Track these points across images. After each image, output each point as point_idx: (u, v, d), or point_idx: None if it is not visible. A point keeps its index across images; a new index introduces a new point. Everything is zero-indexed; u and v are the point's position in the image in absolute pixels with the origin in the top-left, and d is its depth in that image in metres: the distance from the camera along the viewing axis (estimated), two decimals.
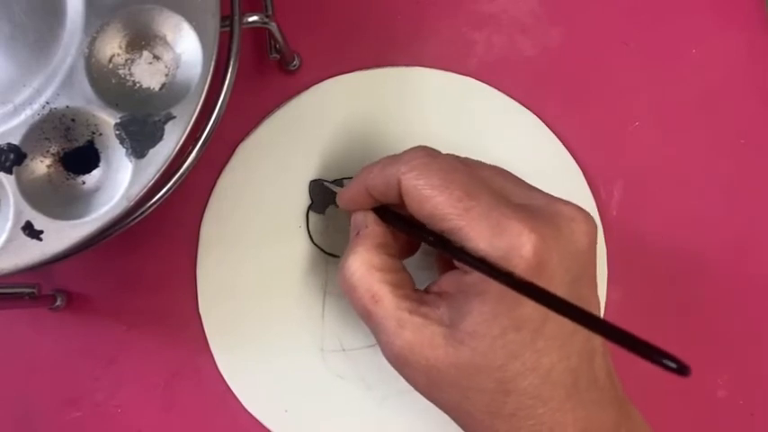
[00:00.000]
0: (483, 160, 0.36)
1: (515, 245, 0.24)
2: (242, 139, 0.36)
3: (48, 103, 0.28)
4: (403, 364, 0.27)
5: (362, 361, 0.35)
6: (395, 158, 0.27)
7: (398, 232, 0.30)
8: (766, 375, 0.36)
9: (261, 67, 0.37)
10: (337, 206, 0.36)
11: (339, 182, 0.36)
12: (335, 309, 0.35)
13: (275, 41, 0.34)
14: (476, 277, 0.25)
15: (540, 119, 0.37)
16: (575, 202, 0.27)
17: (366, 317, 0.27)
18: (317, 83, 0.37)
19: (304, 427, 0.35)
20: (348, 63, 0.37)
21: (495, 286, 0.24)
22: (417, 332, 0.26)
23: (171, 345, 0.36)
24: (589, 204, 0.36)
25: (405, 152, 0.28)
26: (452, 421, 0.35)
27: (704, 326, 0.36)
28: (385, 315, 0.26)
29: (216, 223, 0.36)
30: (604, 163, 0.37)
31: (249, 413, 0.35)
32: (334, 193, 0.36)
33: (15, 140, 0.27)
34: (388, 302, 0.26)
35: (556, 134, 0.36)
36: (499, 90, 0.37)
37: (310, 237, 0.36)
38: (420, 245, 0.32)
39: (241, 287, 0.35)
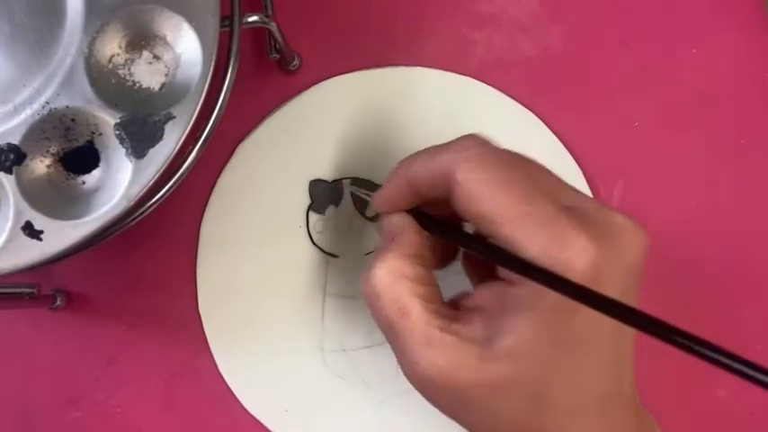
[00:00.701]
0: None
1: (572, 256, 0.22)
2: (242, 139, 0.36)
3: (48, 102, 0.28)
4: (426, 384, 0.25)
5: (362, 361, 0.35)
6: (445, 147, 0.25)
7: (439, 238, 0.27)
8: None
9: (261, 67, 0.37)
10: (337, 206, 0.36)
11: (338, 182, 0.36)
12: (335, 309, 0.35)
13: (275, 41, 0.34)
14: (525, 291, 0.23)
15: (540, 119, 0.36)
16: None
17: (388, 330, 0.25)
18: (316, 83, 0.37)
19: (304, 427, 0.35)
20: (348, 63, 0.37)
21: (544, 302, 0.23)
22: (447, 352, 0.24)
23: (171, 345, 0.36)
24: None
25: (456, 140, 0.25)
26: (453, 422, 0.34)
27: (704, 325, 0.36)
28: (413, 330, 0.24)
29: (216, 223, 0.36)
30: (604, 163, 0.37)
31: (249, 413, 0.35)
32: (335, 193, 0.36)
33: (15, 140, 0.27)
34: (416, 317, 0.24)
35: (556, 134, 0.36)
36: (499, 90, 0.37)
37: (310, 237, 0.36)
38: (455, 255, 0.29)
39: (241, 287, 0.35)
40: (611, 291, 0.22)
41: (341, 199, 0.36)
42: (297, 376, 0.35)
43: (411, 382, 0.26)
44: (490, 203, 0.23)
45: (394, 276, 0.25)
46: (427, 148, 0.26)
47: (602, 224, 0.24)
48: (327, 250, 0.36)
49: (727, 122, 0.37)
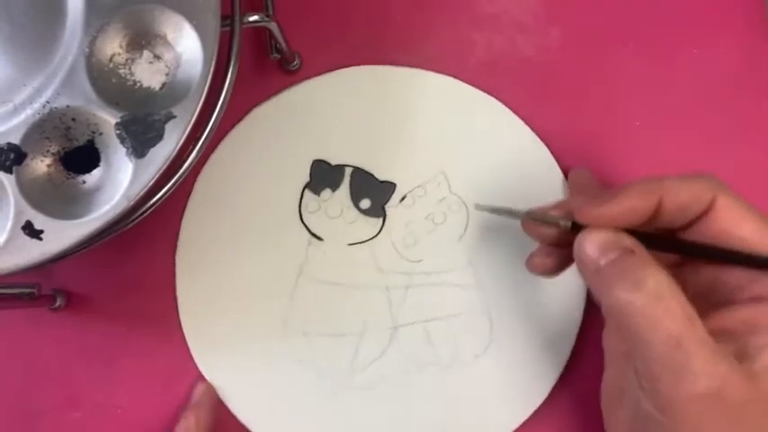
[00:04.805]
0: (481, 163, 0.35)
1: None
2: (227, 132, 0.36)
3: (48, 102, 0.28)
4: (707, 401, 0.23)
5: (321, 348, 0.35)
6: (690, 176, 0.27)
7: (689, 257, 0.28)
8: None
9: (261, 67, 0.37)
10: (333, 191, 0.36)
11: (341, 167, 0.36)
12: (305, 291, 0.35)
13: (276, 41, 0.34)
14: None
15: (540, 119, 0.36)
16: None
17: (676, 344, 0.23)
18: None
19: (291, 426, 0.35)
20: (348, 63, 0.37)
21: None
22: (728, 365, 0.23)
23: (171, 345, 0.36)
24: None
25: (694, 173, 0.27)
26: (403, 412, 0.34)
27: None
28: (700, 341, 0.23)
29: (198, 222, 0.36)
30: (604, 162, 0.37)
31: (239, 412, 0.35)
32: (335, 177, 0.36)
33: (15, 140, 0.27)
34: (700, 326, 0.23)
35: (555, 134, 0.36)
36: (498, 90, 0.36)
37: (300, 214, 0.35)
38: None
39: (222, 288, 0.35)
40: None
41: (339, 185, 0.36)
42: (258, 351, 0.35)
43: (684, 404, 0.23)
44: (754, 226, 0.26)
45: (670, 285, 0.24)
46: (674, 175, 0.27)
47: None
48: (313, 231, 0.36)
49: (728, 122, 0.37)
